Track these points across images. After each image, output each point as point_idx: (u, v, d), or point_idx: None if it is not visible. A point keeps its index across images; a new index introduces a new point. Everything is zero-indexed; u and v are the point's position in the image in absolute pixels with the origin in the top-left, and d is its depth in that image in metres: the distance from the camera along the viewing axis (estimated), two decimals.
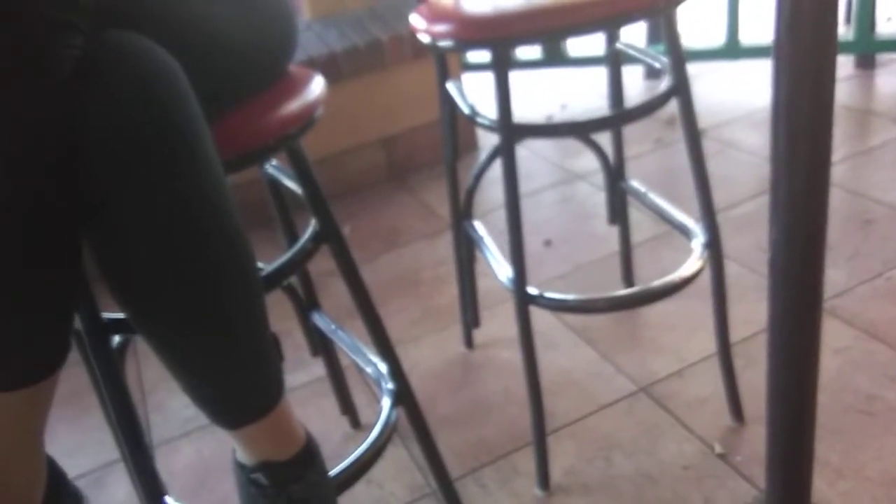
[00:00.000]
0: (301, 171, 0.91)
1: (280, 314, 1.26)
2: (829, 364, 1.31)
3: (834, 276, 1.52)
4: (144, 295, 0.69)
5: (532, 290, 1.11)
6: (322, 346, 1.26)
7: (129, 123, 0.63)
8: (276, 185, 1.13)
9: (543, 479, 1.18)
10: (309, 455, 0.78)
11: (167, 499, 0.88)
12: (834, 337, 1.38)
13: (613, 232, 1.57)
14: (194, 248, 0.68)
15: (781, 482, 1.03)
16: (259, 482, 0.76)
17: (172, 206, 0.66)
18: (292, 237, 1.15)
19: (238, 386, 0.75)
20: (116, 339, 0.89)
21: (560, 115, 2.50)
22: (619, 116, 1.13)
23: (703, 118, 2.28)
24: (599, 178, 1.93)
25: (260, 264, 1.11)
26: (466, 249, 1.42)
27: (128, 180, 0.64)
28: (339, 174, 2.21)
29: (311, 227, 0.92)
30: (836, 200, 1.78)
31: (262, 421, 0.75)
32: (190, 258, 0.68)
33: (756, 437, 1.20)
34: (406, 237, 1.96)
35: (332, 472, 0.89)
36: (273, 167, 1.11)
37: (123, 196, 0.65)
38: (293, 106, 0.86)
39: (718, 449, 1.20)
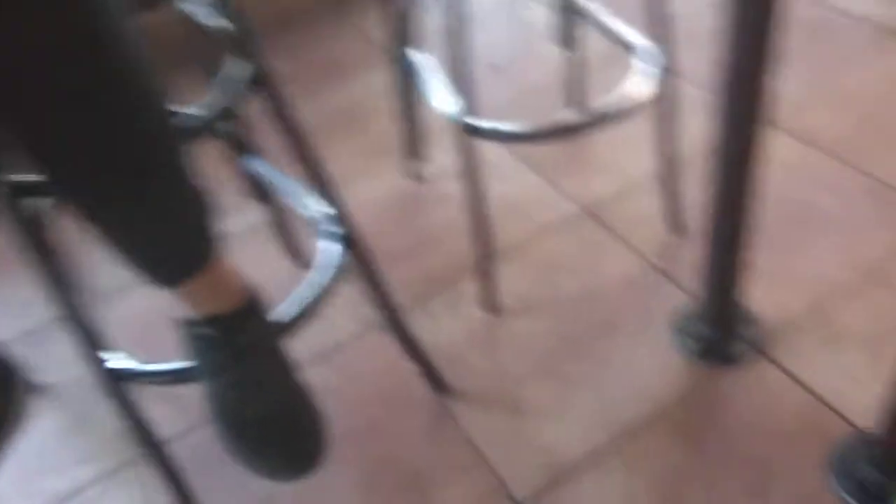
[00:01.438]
0: (225, 2, 0.83)
1: (215, 160, 1.22)
2: (768, 173, 1.33)
3: (779, 85, 1.50)
4: (56, 154, 0.65)
5: (477, 122, 1.08)
6: (262, 190, 1.24)
7: None
8: (196, 22, 1.05)
9: (491, 303, 1.22)
10: (253, 305, 0.78)
11: (109, 353, 0.89)
12: (772, 147, 1.38)
13: (562, 54, 1.51)
14: (100, 92, 0.63)
15: (716, 289, 1.07)
16: (204, 335, 0.76)
17: (69, 46, 0.60)
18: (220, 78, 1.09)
19: (169, 243, 0.73)
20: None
21: None
22: None
23: None
24: None
25: (188, 109, 1.06)
26: (408, 79, 1.36)
27: (19, 17, 0.58)
28: (269, 4, 2.07)
29: (239, 66, 0.87)
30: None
31: (200, 276, 0.74)
32: (96, 104, 0.63)
33: (694, 250, 1.22)
34: (345, 69, 1.88)
35: (280, 317, 0.90)
36: (192, 1, 1.02)
37: (17, 38, 0.59)
38: None
39: (658, 263, 1.24)
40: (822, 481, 0.90)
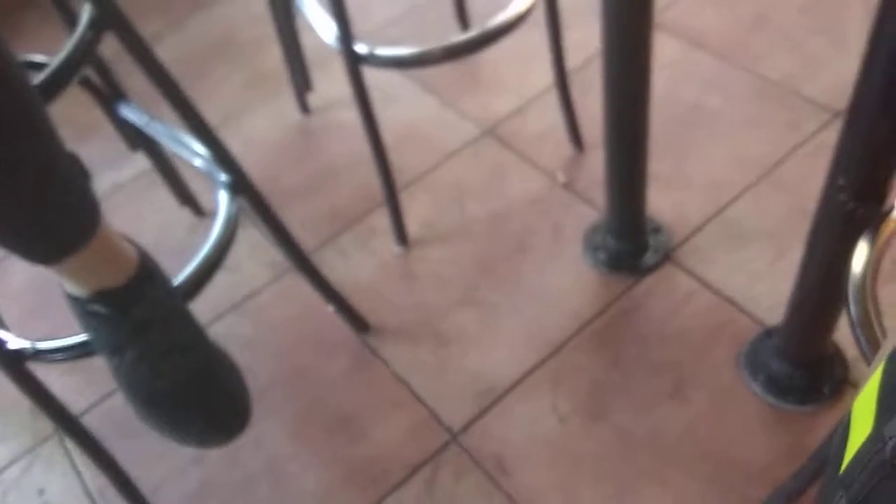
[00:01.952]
0: None
1: (82, 110, 1.11)
2: (656, 79, 1.34)
3: None
4: None
5: (362, 49, 1.02)
6: (140, 138, 1.14)
7: None
8: None
9: (400, 234, 1.19)
10: (145, 273, 0.72)
11: (4, 333, 0.81)
12: (660, 51, 1.39)
13: None
14: None
15: (619, 200, 1.09)
16: (98, 313, 0.70)
17: None
18: (70, 17, 0.97)
19: (41, 217, 0.65)
20: None
21: None
22: None
23: None
24: None
25: (41, 58, 0.95)
26: (282, 3, 1.27)
27: None
28: None
29: (87, 11, 0.77)
30: None
31: (82, 250, 0.67)
32: None
33: (596, 163, 1.24)
34: None
35: (180, 277, 0.84)
36: None
37: None
38: None
39: (561, 179, 1.24)
40: (736, 378, 0.96)
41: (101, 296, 0.69)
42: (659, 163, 1.20)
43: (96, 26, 0.76)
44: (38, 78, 0.77)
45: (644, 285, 1.08)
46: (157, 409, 0.78)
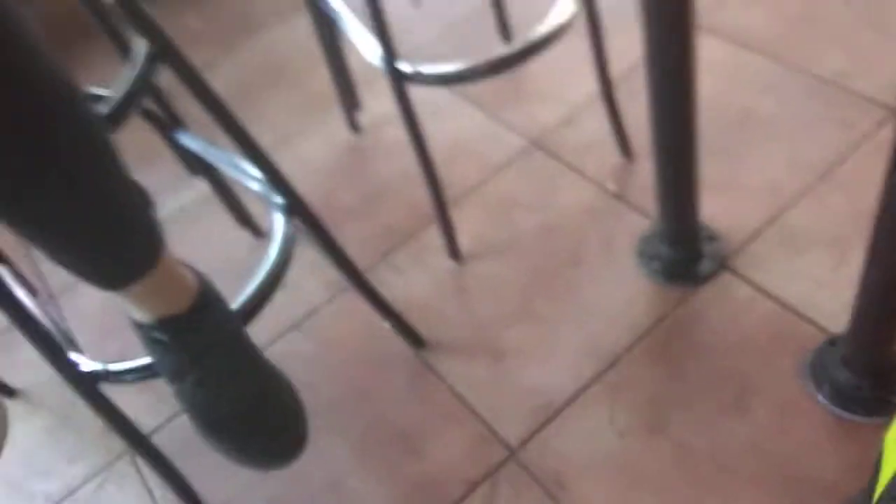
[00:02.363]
0: None
1: (144, 137, 1.15)
2: (705, 82, 1.31)
3: None
4: None
5: (406, 67, 1.04)
6: (199, 163, 1.18)
7: None
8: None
9: (453, 249, 1.20)
10: (205, 300, 0.74)
11: (76, 355, 0.85)
12: (708, 53, 1.37)
13: None
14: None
15: (670, 206, 1.08)
16: (160, 340, 0.72)
17: None
18: (123, 48, 1.01)
19: (109, 244, 0.68)
20: None
21: None
22: None
23: None
24: None
25: (103, 91, 0.99)
26: (328, 26, 1.29)
27: None
28: None
29: (144, 45, 0.80)
30: None
31: (146, 277, 0.70)
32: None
33: (646, 170, 1.23)
34: (260, 20, 1.78)
35: (240, 299, 0.86)
36: None
37: None
38: None
39: (612, 188, 1.24)
40: (800, 389, 0.94)
41: (162, 323, 0.72)
42: (712, 168, 1.18)
43: (152, 60, 0.79)
44: (100, 110, 0.81)
45: (701, 294, 1.06)
46: (216, 433, 0.80)
